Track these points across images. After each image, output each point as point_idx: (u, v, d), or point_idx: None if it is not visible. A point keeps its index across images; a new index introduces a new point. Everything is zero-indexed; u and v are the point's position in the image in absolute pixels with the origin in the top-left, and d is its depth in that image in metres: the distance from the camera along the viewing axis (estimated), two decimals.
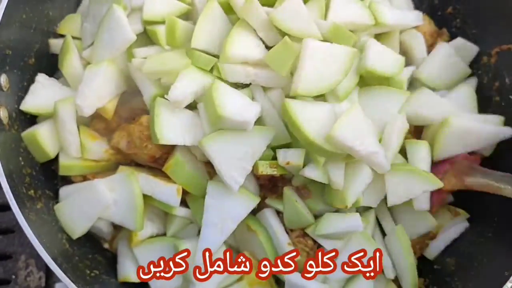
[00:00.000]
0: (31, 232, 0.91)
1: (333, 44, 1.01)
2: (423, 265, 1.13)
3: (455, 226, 1.14)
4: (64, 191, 1.08)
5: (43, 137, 1.05)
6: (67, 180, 1.11)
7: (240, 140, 0.98)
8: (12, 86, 1.05)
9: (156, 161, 1.06)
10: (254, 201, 1.03)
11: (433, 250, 1.14)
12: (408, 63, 1.17)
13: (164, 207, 1.04)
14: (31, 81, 1.10)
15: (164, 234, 1.09)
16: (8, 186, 0.93)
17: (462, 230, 1.14)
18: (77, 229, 1.02)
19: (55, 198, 1.10)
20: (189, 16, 1.13)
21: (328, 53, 1.00)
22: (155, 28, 1.06)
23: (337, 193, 1.02)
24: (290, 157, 1.00)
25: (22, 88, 1.09)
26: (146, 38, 1.09)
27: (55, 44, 1.18)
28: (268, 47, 1.03)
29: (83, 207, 1.01)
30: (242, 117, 0.96)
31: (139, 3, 1.08)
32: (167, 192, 1.02)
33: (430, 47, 1.21)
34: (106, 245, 1.13)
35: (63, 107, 1.03)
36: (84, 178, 1.09)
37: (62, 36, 1.19)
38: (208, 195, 1.01)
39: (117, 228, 1.10)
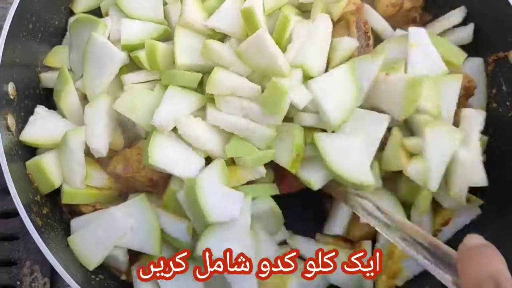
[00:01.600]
0: (38, 236, 0.92)
1: (328, 73, 1.02)
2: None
3: (467, 213, 1.12)
4: (76, 222, 1.07)
5: (48, 166, 1.03)
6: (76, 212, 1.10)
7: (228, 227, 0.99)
8: None
9: (154, 185, 1.06)
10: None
11: (444, 235, 1.13)
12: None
13: (175, 242, 1.03)
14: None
15: None
16: (16, 192, 0.94)
17: (473, 218, 1.12)
18: (93, 259, 1.01)
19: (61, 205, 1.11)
20: (170, 37, 1.10)
21: (332, 81, 1.01)
22: (138, 54, 1.05)
23: None
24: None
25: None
26: (134, 64, 1.08)
27: (46, 77, 1.16)
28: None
29: (99, 237, 1.00)
30: (229, 217, 0.97)
31: (118, 35, 1.07)
32: (178, 229, 1.02)
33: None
34: (123, 277, 1.09)
35: (73, 138, 1.01)
36: (95, 209, 1.07)
37: (50, 68, 1.17)
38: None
39: (132, 257, 1.08)
